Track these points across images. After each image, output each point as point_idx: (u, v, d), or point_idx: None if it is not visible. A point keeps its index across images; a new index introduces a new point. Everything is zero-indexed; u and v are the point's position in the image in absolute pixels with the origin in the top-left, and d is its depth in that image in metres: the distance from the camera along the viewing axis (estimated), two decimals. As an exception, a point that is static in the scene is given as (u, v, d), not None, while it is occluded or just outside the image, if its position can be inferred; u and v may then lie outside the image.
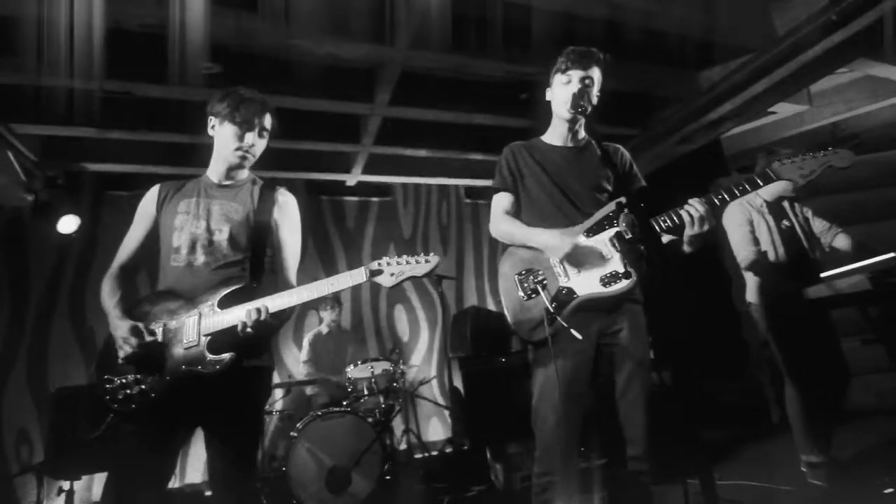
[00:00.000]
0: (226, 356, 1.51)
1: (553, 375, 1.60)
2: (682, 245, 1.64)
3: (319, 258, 5.34)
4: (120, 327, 1.56)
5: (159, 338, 1.58)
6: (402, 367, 3.92)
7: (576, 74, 1.80)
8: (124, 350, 1.52)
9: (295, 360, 4.83)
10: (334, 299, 4.49)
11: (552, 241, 1.71)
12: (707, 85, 4.21)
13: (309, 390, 4.13)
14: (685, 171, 4.86)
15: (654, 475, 1.64)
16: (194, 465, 4.31)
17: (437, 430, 5.20)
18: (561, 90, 1.83)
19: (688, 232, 1.58)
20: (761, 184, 1.56)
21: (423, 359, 5.44)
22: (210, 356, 1.51)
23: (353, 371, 3.74)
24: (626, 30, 3.61)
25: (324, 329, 4.43)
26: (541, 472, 1.62)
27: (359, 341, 4.71)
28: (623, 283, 1.63)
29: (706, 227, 1.56)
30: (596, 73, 1.83)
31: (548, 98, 1.95)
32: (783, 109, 4.92)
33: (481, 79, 4.05)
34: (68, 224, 4.22)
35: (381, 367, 3.77)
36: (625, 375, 1.67)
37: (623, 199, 1.71)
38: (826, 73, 3.96)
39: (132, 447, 1.51)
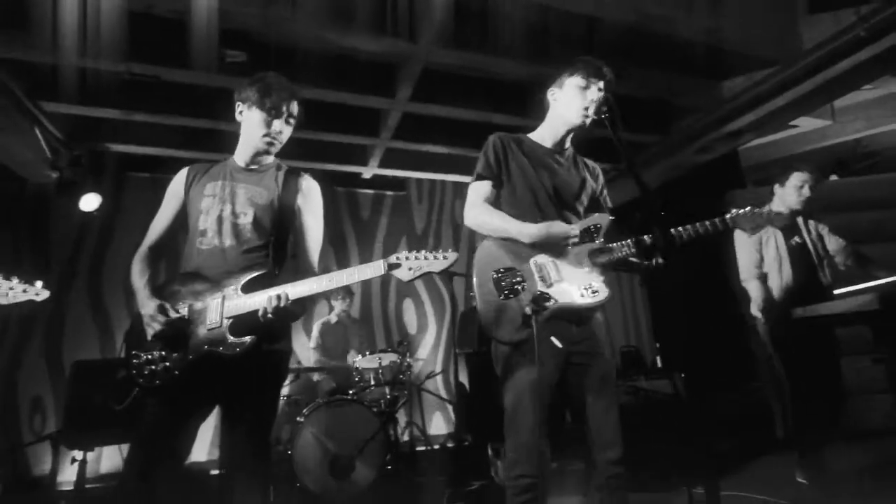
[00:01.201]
0: (247, 339, 1.55)
1: (528, 379, 1.60)
2: (651, 265, 1.69)
3: (332, 248, 5.41)
4: (147, 306, 1.61)
5: (185, 317, 1.63)
6: (409, 359, 3.96)
7: (595, 84, 1.81)
8: (151, 328, 1.58)
9: (303, 347, 4.89)
10: (346, 289, 4.55)
11: (554, 229, 1.71)
12: (729, 95, 4.19)
13: (316, 377, 4.20)
14: (701, 181, 4.85)
15: (631, 480, 1.65)
16: (201, 443, 4.40)
17: (439, 424, 5.26)
18: (576, 95, 1.82)
19: (654, 258, 1.65)
20: (720, 227, 1.67)
21: (430, 353, 5.49)
22: (231, 338, 1.56)
23: (360, 361, 3.80)
24: (650, 36, 3.61)
25: (333, 318, 4.49)
26: (518, 474, 1.61)
27: (367, 332, 4.77)
28: (600, 297, 1.66)
29: (668, 258, 1.56)
30: (605, 89, 1.83)
31: (550, 98, 1.92)
32: (805, 123, 4.89)
33: (502, 78, 4.07)
34: (90, 202, 4.31)
35: (388, 358, 3.82)
36: (595, 383, 1.69)
37: (600, 216, 1.80)
38: (851, 89, 3.94)
39: (153, 420, 1.57)
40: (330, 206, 6.06)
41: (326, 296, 5.14)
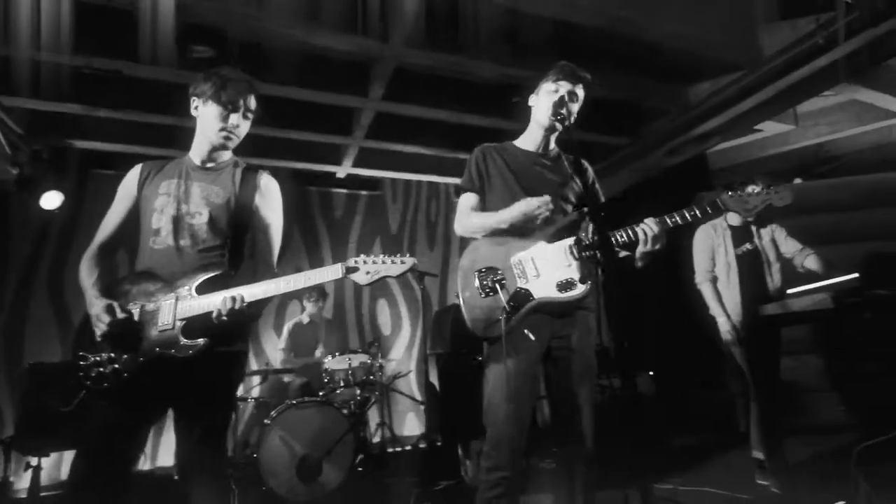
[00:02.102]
0: (200, 341, 1.52)
1: (503, 374, 1.64)
2: (635, 261, 1.72)
3: (305, 248, 5.35)
4: (95, 305, 1.57)
5: (135, 318, 1.59)
6: (380, 360, 3.94)
7: (564, 86, 1.87)
8: (98, 328, 1.53)
9: (274, 348, 4.84)
10: (320, 292, 4.51)
11: (528, 204, 1.74)
12: (696, 100, 4.28)
13: (286, 378, 4.15)
14: (670, 184, 4.94)
15: (600, 476, 1.69)
16: (167, 448, 4.31)
17: (412, 425, 5.25)
18: (546, 98, 1.88)
19: (640, 249, 1.67)
20: (710, 212, 1.67)
21: (404, 353, 5.48)
22: (184, 340, 1.53)
23: (330, 362, 3.76)
24: (620, 40, 3.67)
25: (304, 318, 4.44)
26: (491, 467, 1.65)
27: (339, 333, 4.73)
28: (578, 290, 1.70)
29: (658, 246, 1.66)
30: (581, 92, 1.90)
31: (531, 103, 1.99)
32: (770, 128, 5.02)
33: (475, 80, 4.08)
34: (51, 200, 4.18)
35: (358, 359, 3.79)
36: (575, 378, 1.73)
37: (586, 209, 1.78)
38: (812, 94, 4.05)
39: (101, 424, 1.52)
40: (304, 207, 6.01)
41: (298, 296, 5.10)
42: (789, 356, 2.91)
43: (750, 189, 1.68)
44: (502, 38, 3.62)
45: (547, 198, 1.74)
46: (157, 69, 3.41)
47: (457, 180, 5.62)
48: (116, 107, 3.87)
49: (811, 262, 2.90)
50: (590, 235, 1.72)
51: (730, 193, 1.67)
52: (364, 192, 5.76)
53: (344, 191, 5.66)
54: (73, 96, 3.71)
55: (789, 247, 3.00)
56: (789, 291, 2.35)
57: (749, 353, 2.87)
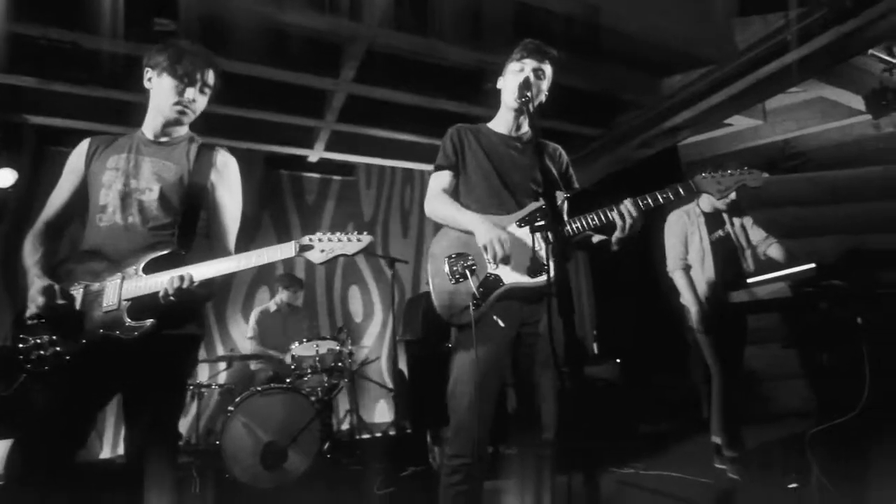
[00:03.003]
0: (146, 322, 1.46)
1: (470, 360, 1.62)
2: (611, 244, 1.70)
3: (276, 234, 5.24)
4: (34, 285, 1.49)
5: (79, 299, 1.51)
6: (349, 347, 3.90)
7: (529, 64, 1.83)
8: (30, 308, 1.46)
9: (241, 334, 4.74)
10: (295, 280, 4.42)
11: (483, 228, 1.70)
12: (668, 92, 4.31)
13: (253, 365, 4.07)
14: (642, 176, 4.99)
15: (562, 462, 1.69)
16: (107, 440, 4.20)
17: (383, 412, 5.23)
18: (512, 78, 1.85)
19: (617, 233, 1.65)
20: (682, 193, 1.64)
21: (376, 340, 5.44)
22: (129, 321, 1.46)
23: (297, 349, 3.70)
24: (597, 29, 3.66)
25: (272, 306, 4.35)
26: (454, 453, 1.64)
27: (310, 320, 4.66)
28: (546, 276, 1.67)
29: (636, 229, 1.64)
30: (548, 69, 1.86)
31: (499, 86, 1.95)
32: (739, 122, 5.12)
33: (449, 65, 4.02)
34: (5, 177, 4.00)
35: (326, 346, 3.74)
36: (541, 364, 1.72)
37: (555, 196, 1.75)
38: (780, 90, 4.13)
39: (41, 410, 1.45)
40: (275, 191, 5.89)
41: (268, 282, 5.01)
42: (753, 344, 2.97)
43: (722, 172, 1.67)
44: (477, 24, 3.57)
45: (504, 238, 1.66)
46: (117, 42, 3.25)
47: (432, 167, 5.56)
48: (75, 81, 3.68)
49: (774, 250, 2.96)
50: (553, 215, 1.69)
51: (703, 175, 1.67)
52: (337, 178, 5.65)
53: (316, 175, 5.55)
54: (28, 69, 3.53)
55: (755, 235, 3.05)
56: (750, 280, 2.39)
57: (717, 340, 2.90)
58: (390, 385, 5.07)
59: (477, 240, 1.70)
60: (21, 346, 1.47)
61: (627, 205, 1.63)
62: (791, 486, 2.46)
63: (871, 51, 3.81)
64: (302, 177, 5.52)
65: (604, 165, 5.11)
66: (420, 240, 5.91)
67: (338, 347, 3.78)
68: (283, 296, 4.31)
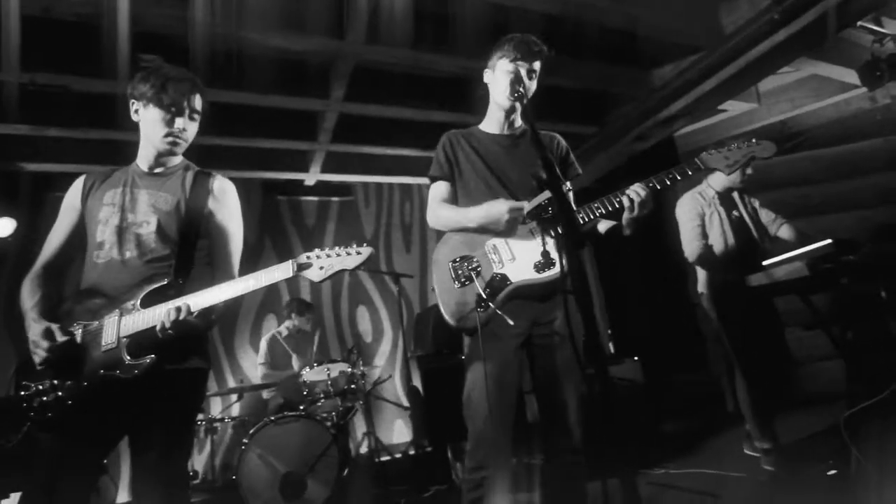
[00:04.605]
0: (146, 359, 1.40)
1: (483, 366, 1.56)
2: (622, 229, 1.65)
3: (279, 260, 5.17)
4: (33, 329, 1.45)
5: (78, 340, 1.47)
6: (361, 368, 3.83)
7: (522, 65, 1.79)
8: (37, 354, 1.41)
9: (251, 364, 4.68)
10: (305, 305, 4.39)
11: (494, 207, 1.66)
12: (660, 83, 4.28)
13: (265, 394, 4.00)
14: (641, 169, 4.94)
15: (589, 467, 1.61)
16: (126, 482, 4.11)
17: (402, 432, 5.13)
18: (503, 78, 1.81)
19: (626, 215, 1.60)
20: (689, 172, 1.59)
21: (388, 359, 5.36)
22: (128, 359, 1.40)
23: (309, 374, 3.63)
24: (581, 27, 3.64)
25: (283, 331, 4.30)
26: (473, 466, 1.57)
27: (320, 343, 4.60)
28: (555, 269, 1.61)
29: (646, 211, 1.58)
30: (538, 66, 1.83)
31: (486, 80, 1.91)
32: (734, 107, 5.07)
33: (440, 75, 4.02)
34: (3, 227, 3.99)
35: (338, 368, 3.67)
36: (559, 365, 1.65)
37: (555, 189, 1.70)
38: (771, 70, 4.10)
39: (47, 459, 1.39)
40: (274, 217, 5.86)
41: (275, 310, 4.96)
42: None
43: (729, 146, 1.61)
44: (460, 30, 3.56)
45: (516, 205, 1.64)
46: (108, 83, 3.26)
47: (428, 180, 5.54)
48: (68, 125, 3.68)
49: (784, 231, 2.89)
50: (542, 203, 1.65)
51: (710, 151, 1.61)
52: (335, 199, 5.64)
53: (314, 198, 5.53)
54: (18, 116, 3.53)
55: (763, 216, 2.97)
56: (766, 262, 2.32)
57: (739, 327, 2.75)
58: (405, 403, 4.98)
59: (497, 216, 1.64)
60: (23, 393, 1.42)
61: (636, 187, 1.59)
62: (830, 472, 2.36)
63: (859, 23, 3.78)
64: (300, 201, 5.50)
65: (600, 162, 5.06)
66: (423, 254, 5.86)
67: (349, 369, 3.71)
68: (295, 321, 4.26)
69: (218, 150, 4.27)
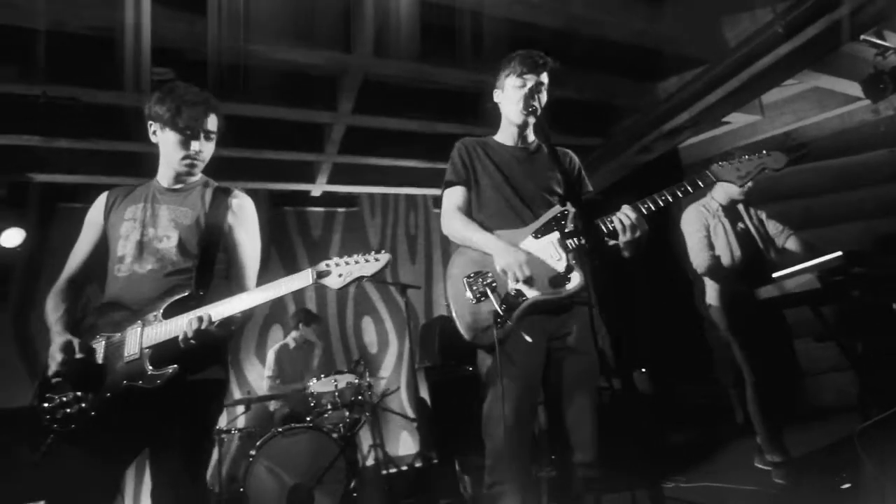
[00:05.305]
0: (168, 370, 1.42)
1: (505, 380, 1.55)
2: (621, 250, 1.66)
3: (285, 270, 5.21)
4: (54, 342, 1.47)
5: (101, 351, 1.48)
6: (368, 379, 3.82)
7: (530, 79, 1.82)
8: (50, 367, 1.43)
9: (258, 376, 4.67)
10: (312, 316, 4.41)
11: (501, 250, 1.67)
12: (664, 95, 4.33)
13: (272, 405, 3.99)
14: (645, 181, 4.97)
15: (605, 482, 1.60)
16: (146, 491, 4.09)
17: (407, 444, 5.10)
18: (514, 94, 1.83)
19: (621, 238, 1.61)
20: (701, 185, 1.60)
21: (393, 370, 5.35)
22: (151, 370, 1.42)
23: (316, 385, 3.63)
24: (584, 40, 3.69)
25: (290, 342, 4.30)
26: (492, 482, 1.56)
27: (326, 354, 4.60)
28: (571, 284, 1.62)
29: (638, 234, 1.59)
30: (546, 79, 1.85)
31: (496, 100, 1.94)
32: (737, 120, 5.11)
33: (446, 87, 4.06)
34: (12, 238, 4.00)
35: (345, 380, 3.66)
36: (573, 379, 1.65)
37: (570, 204, 1.72)
38: (775, 83, 4.14)
39: (72, 470, 1.41)
40: (281, 228, 5.87)
41: (281, 320, 4.96)
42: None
43: (740, 158, 1.62)
44: (466, 43, 3.61)
45: (524, 260, 1.63)
46: (117, 94, 3.30)
47: (434, 191, 5.58)
48: (77, 136, 3.72)
49: (791, 243, 2.90)
50: (572, 223, 1.65)
51: (720, 164, 1.62)
52: (341, 210, 5.66)
53: (320, 209, 5.56)
54: (29, 128, 3.57)
55: (770, 228, 2.98)
56: (776, 274, 2.32)
57: (749, 339, 2.75)
58: (411, 415, 4.96)
59: (496, 264, 1.66)
60: (46, 405, 1.43)
61: (626, 211, 1.60)
62: (843, 486, 2.35)
63: (862, 36, 3.82)
64: (306, 212, 5.53)
65: (605, 174, 5.09)
66: (429, 265, 5.88)
67: (356, 381, 3.70)
68: (302, 332, 4.26)
69: (227, 161, 4.31)
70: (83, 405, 1.42)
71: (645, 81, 4.32)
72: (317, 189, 5.13)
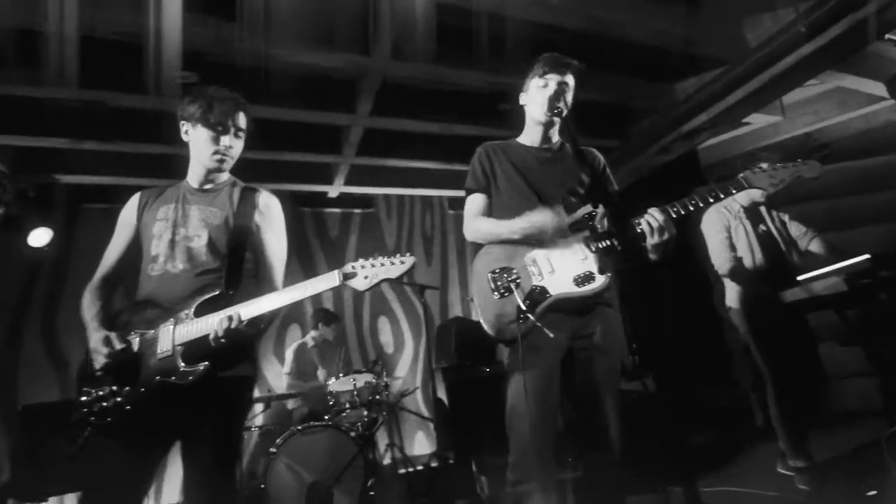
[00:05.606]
0: (200, 366, 1.46)
1: (524, 377, 1.56)
2: (647, 253, 1.65)
3: (302, 271, 5.27)
4: (93, 338, 1.52)
5: (135, 348, 1.53)
6: (385, 378, 3.85)
7: (553, 79, 1.83)
8: (97, 361, 1.48)
9: (276, 375, 4.73)
10: (331, 315, 4.45)
11: (538, 217, 1.68)
12: (683, 96, 4.29)
13: (290, 404, 4.04)
14: (663, 183, 4.94)
15: (629, 482, 1.60)
16: (171, 485, 4.16)
17: (422, 444, 5.13)
18: (538, 94, 1.85)
19: (648, 241, 1.60)
20: (734, 191, 1.60)
21: (409, 370, 5.38)
22: (183, 366, 1.46)
23: (334, 384, 3.66)
24: (603, 41, 3.68)
25: (309, 341, 4.35)
26: (515, 480, 1.57)
27: (344, 354, 4.64)
28: (596, 284, 1.62)
29: (665, 237, 1.59)
30: (571, 80, 1.86)
31: (522, 102, 1.96)
32: (757, 120, 5.04)
33: (463, 89, 4.07)
34: (40, 237, 4.11)
35: (363, 379, 3.70)
36: (599, 379, 1.65)
37: (600, 203, 1.72)
38: (797, 84, 4.08)
39: (107, 462, 1.45)
40: (298, 228, 5.96)
41: (299, 320, 5.01)
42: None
43: (774, 165, 1.61)
44: (485, 45, 3.62)
45: (558, 217, 1.67)
46: (142, 98, 3.37)
47: (450, 192, 5.60)
48: (103, 138, 3.81)
49: (815, 245, 2.86)
50: (600, 223, 1.66)
51: (753, 170, 1.62)
52: (357, 211, 5.71)
53: (337, 210, 5.61)
54: (57, 130, 3.66)
55: (793, 230, 2.95)
56: (802, 277, 2.29)
57: (771, 342, 2.72)
58: (427, 414, 4.98)
59: (541, 225, 1.66)
60: (84, 399, 1.48)
61: (654, 213, 1.60)
62: (869, 493, 2.31)
63: (887, 35, 3.75)
64: (323, 213, 5.58)
65: (623, 176, 5.06)
66: (444, 266, 5.90)
67: (374, 380, 3.73)
68: (321, 331, 4.31)
69: (249, 162, 4.36)
70: (119, 399, 1.47)
71: (663, 82, 4.29)
72: (334, 190, 5.18)
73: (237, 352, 1.57)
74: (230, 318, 1.45)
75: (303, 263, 5.31)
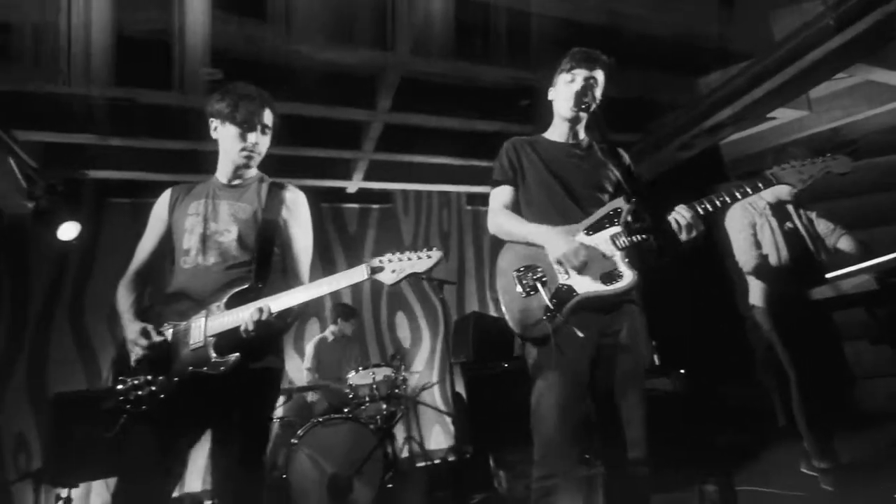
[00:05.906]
0: (231, 357, 1.50)
1: (552, 375, 1.57)
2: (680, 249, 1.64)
3: (321, 265, 5.33)
4: (130, 329, 1.56)
5: (169, 339, 1.58)
6: (404, 373, 3.88)
7: (580, 74, 1.82)
8: (135, 352, 1.53)
9: (296, 368, 4.79)
10: (351, 310, 4.50)
11: (554, 239, 1.66)
12: (706, 91, 4.23)
13: (310, 397, 4.10)
14: (685, 178, 4.87)
15: (654, 479, 1.60)
16: (194, 473, 4.26)
17: (439, 437, 5.16)
18: (565, 89, 1.84)
19: (682, 235, 1.59)
20: (762, 187, 1.58)
21: (426, 365, 5.41)
22: (215, 357, 1.50)
23: (354, 377, 3.71)
24: (626, 36, 3.63)
25: (329, 336, 4.41)
26: (541, 475, 1.57)
27: (362, 348, 4.70)
28: (623, 282, 1.61)
29: (693, 234, 1.57)
30: (599, 75, 1.85)
31: (550, 97, 1.95)
32: (783, 115, 4.94)
33: (483, 85, 4.07)
34: (68, 231, 4.21)
35: (382, 373, 3.74)
36: (625, 377, 1.65)
37: (624, 199, 1.71)
38: (825, 77, 3.99)
39: (141, 449, 1.50)
40: (317, 223, 6.01)
41: (318, 315, 5.07)
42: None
43: (803, 161, 1.59)
44: (506, 41, 3.61)
45: (570, 246, 1.63)
46: (169, 95, 3.43)
47: (468, 188, 5.60)
48: (130, 134, 3.90)
49: (844, 242, 2.80)
50: (625, 219, 1.64)
51: (782, 166, 1.59)
52: (375, 206, 5.75)
53: (356, 205, 5.66)
54: (85, 126, 3.75)
55: (821, 227, 2.89)
56: (830, 275, 2.25)
57: (796, 341, 2.67)
58: (444, 409, 5.01)
59: (549, 253, 1.66)
60: (120, 387, 1.53)
61: (682, 211, 1.59)
62: (897, 494, 2.27)
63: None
64: (342, 208, 5.63)
65: (645, 169, 5.01)
66: (461, 262, 5.91)
67: (393, 374, 3.77)
68: (341, 326, 4.36)
69: (269, 158, 4.42)
70: (153, 388, 1.51)
71: (687, 76, 4.23)
72: (352, 186, 5.22)
73: (265, 344, 1.61)
74: (260, 311, 1.48)
75: (322, 258, 5.36)
